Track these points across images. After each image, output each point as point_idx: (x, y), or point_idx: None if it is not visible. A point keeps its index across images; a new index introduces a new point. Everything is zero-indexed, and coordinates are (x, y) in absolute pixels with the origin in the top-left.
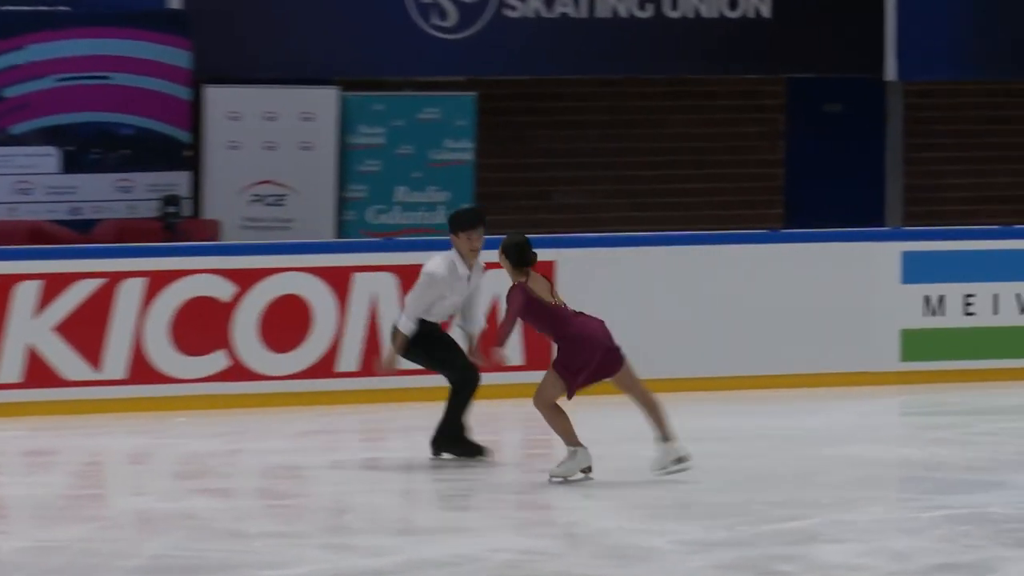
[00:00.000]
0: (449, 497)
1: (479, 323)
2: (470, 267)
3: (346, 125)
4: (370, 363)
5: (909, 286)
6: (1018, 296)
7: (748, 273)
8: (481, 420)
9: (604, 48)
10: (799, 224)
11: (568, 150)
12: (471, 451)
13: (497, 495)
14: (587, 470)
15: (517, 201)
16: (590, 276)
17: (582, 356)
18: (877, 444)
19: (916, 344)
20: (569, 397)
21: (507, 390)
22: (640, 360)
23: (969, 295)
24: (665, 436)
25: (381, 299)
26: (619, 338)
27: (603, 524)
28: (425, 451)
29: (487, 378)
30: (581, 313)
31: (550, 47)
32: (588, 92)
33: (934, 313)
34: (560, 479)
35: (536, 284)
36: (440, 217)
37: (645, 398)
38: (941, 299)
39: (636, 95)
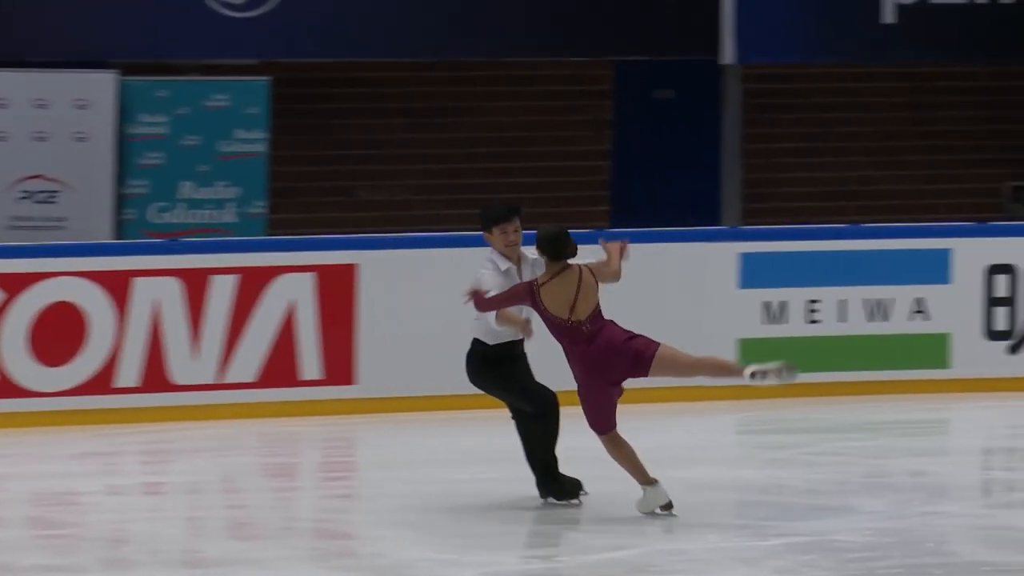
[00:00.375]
0: (239, 525)
1: None
2: (515, 262)
3: (125, 113)
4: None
5: (747, 291)
6: (866, 302)
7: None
8: (278, 440)
9: (413, 28)
10: (627, 223)
11: (372, 141)
12: (569, 491)
13: (292, 523)
14: (667, 507)
15: (315, 198)
16: (396, 280)
17: (595, 383)
18: (711, 465)
19: (755, 355)
20: (608, 427)
21: (305, 407)
22: (452, 374)
23: (813, 301)
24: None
25: (164, 307)
26: (427, 349)
27: (408, 555)
28: (213, 473)
29: (283, 394)
30: (603, 328)
31: (352, 27)
32: (395, 77)
33: (774, 321)
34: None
35: (558, 290)
36: (230, 215)
37: (698, 367)
38: (782, 305)
39: (448, 80)
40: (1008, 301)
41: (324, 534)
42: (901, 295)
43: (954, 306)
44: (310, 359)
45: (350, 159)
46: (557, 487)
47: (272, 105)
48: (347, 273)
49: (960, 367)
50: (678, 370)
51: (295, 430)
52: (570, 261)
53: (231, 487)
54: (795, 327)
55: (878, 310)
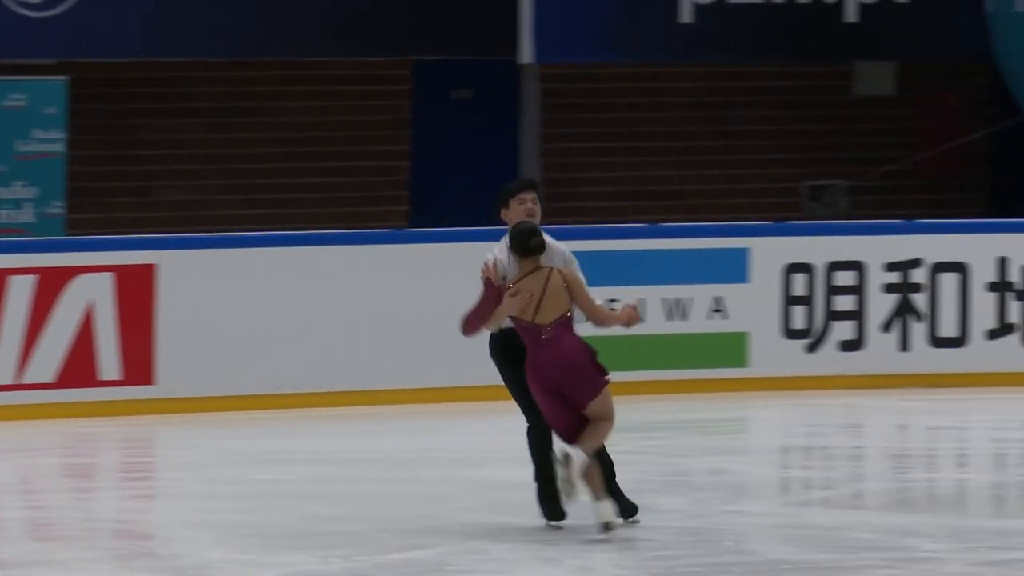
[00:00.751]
0: (39, 526)
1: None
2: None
3: None
4: None
5: None
6: (665, 301)
7: (372, 277)
8: (77, 440)
9: (210, 28)
10: (426, 223)
11: (171, 141)
12: (551, 513)
13: (92, 524)
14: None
15: (114, 198)
16: (196, 280)
17: (534, 386)
18: (509, 465)
19: None
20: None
21: (104, 408)
22: (252, 374)
23: (612, 300)
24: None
25: None
26: (227, 349)
27: (208, 555)
28: (12, 474)
29: (82, 395)
30: (563, 338)
31: (148, 26)
32: (193, 77)
33: (575, 320)
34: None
35: (525, 289)
36: (28, 215)
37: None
38: None
39: (247, 80)
40: (806, 300)
41: (124, 535)
42: (700, 294)
43: (752, 305)
44: (109, 360)
45: (149, 159)
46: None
47: (70, 105)
48: (146, 273)
49: (758, 366)
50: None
51: (94, 430)
52: (556, 266)
53: (30, 488)
54: (596, 326)
55: (677, 309)
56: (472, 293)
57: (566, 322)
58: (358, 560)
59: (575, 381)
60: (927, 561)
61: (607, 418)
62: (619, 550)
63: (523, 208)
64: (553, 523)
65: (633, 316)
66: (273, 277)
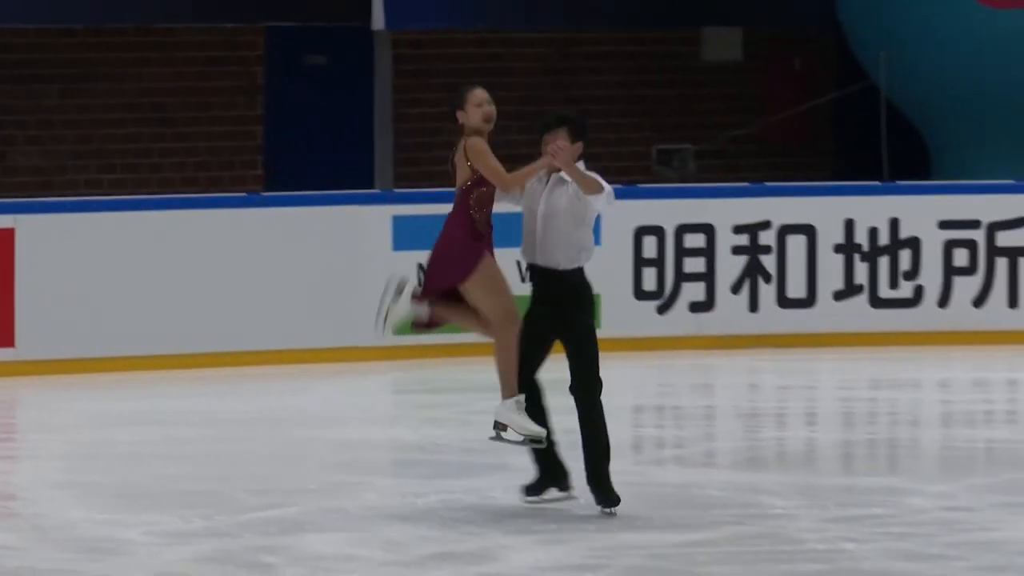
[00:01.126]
0: None
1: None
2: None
3: None
4: None
5: (401, 253)
6: (516, 263)
7: (226, 241)
8: None
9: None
10: (281, 187)
11: (27, 107)
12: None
13: None
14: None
15: None
16: (53, 244)
17: None
18: (367, 425)
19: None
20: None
21: None
22: (111, 336)
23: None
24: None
25: None
26: (78, 312)
27: (71, 515)
28: None
29: None
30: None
31: None
32: (48, 44)
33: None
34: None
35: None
36: None
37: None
38: None
39: (100, 46)
40: (656, 262)
41: None
42: None
43: (604, 267)
44: None
45: (5, 124)
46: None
47: None
48: (4, 237)
49: (610, 327)
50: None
51: None
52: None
53: None
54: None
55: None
56: (326, 257)
57: (457, 197)
58: (219, 519)
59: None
60: (777, 518)
61: (489, 320)
62: (476, 508)
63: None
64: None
65: (553, 153)
66: (130, 241)
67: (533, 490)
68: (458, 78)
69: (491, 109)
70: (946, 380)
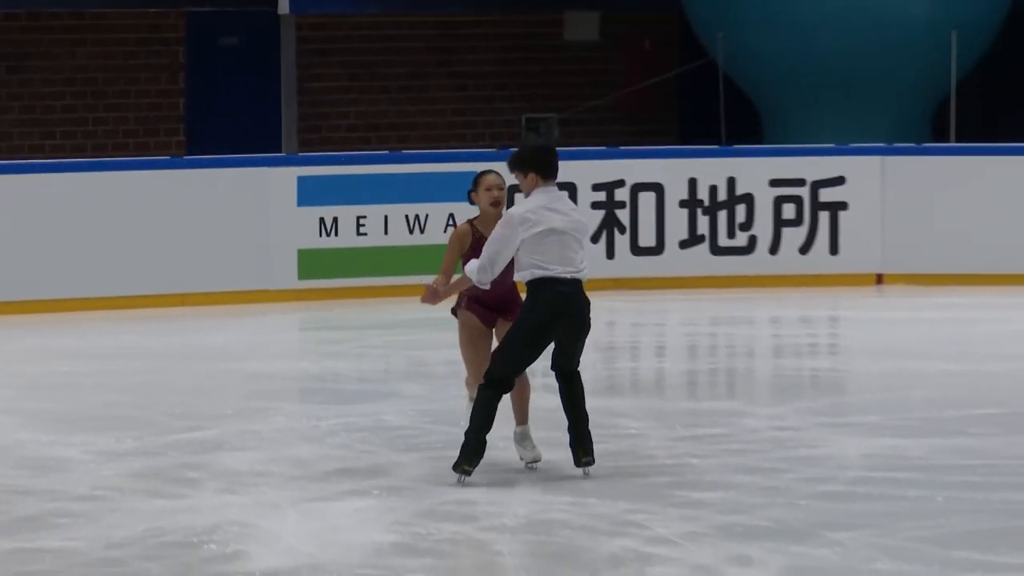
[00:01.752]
0: None
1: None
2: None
3: None
4: None
5: (305, 209)
6: (407, 217)
7: (152, 198)
8: None
9: None
10: (200, 151)
11: None
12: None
13: None
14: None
15: None
16: (0, 201)
17: None
18: (276, 359)
19: (312, 263)
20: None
21: None
22: (45, 280)
23: (361, 216)
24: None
25: None
26: (22, 260)
27: (19, 437)
28: None
29: None
30: None
31: None
32: None
33: (328, 234)
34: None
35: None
36: None
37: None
38: (335, 220)
39: (40, 28)
40: None
41: None
42: (434, 211)
43: None
44: None
45: None
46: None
47: None
48: None
49: None
50: None
51: None
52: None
53: None
54: (346, 239)
55: (416, 224)
56: (240, 212)
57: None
58: (148, 440)
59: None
60: (632, 437)
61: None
62: (371, 430)
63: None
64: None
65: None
66: (68, 198)
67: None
68: (354, 56)
69: (501, 195)
70: (776, 317)
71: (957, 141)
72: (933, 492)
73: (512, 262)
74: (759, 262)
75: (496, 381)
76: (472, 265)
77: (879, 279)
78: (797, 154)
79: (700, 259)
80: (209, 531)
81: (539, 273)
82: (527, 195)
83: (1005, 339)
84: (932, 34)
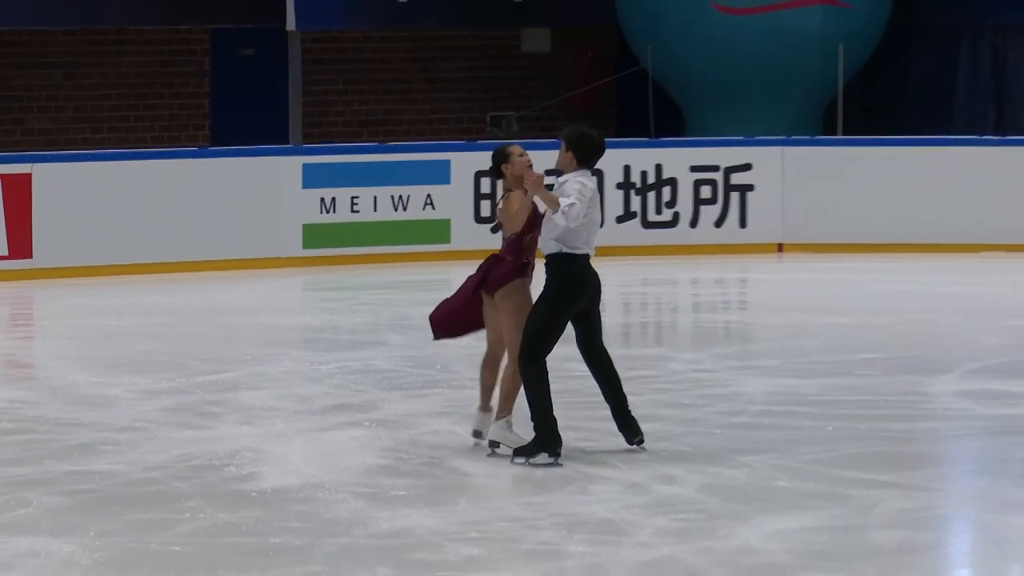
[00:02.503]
0: None
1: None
2: None
3: None
4: None
5: (308, 190)
6: (392, 197)
7: (184, 182)
8: None
9: (65, 4)
10: (222, 143)
11: (39, 85)
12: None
13: None
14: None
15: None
16: (58, 185)
17: None
18: (283, 314)
19: (314, 235)
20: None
21: None
22: (97, 250)
23: (355, 196)
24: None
25: None
26: (78, 233)
27: (73, 378)
28: None
29: None
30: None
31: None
32: (52, 39)
33: (328, 211)
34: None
35: None
36: None
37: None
38: (333, 200)
39: (90, 42)
40: (490, 196)
41: (12, 365)
42: (416, 192)
43: (453, 200)
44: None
45: (23, 99)
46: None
47: None
48: (25, 180)
49: (457, 243)
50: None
51: None
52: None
53: None
54: (342, 216)
55: (400, 203)
56: (256, 193)
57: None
58: (178, 381)
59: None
60: (578, 379)
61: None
62: (363, 372)
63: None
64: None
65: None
66: (114, 182)
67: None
68: (348, 64)
69: (527, 158)
70: (695, 279)
71: (844, 134)
72: (824, 423)
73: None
74: (681, 234)
75: (540, 357)
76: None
77: (780, 248)
78: (712, 145)
79: (633, 232)
80: (229, 456)
81: (566, 249)
82: (564, 170)
83: (884, 297)
84: (823, 46)
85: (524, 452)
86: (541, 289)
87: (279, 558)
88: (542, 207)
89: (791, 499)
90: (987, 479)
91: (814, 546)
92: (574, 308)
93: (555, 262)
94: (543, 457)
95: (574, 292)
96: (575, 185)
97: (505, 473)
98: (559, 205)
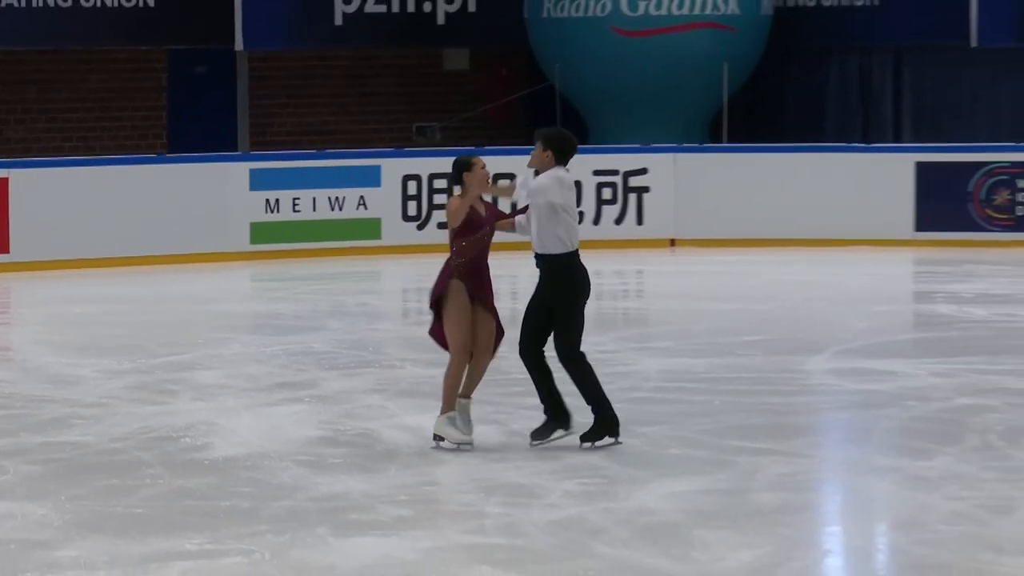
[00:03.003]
0: None
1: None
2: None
3: None
4: None
5: (255, 192)
6: (329, 198)
7: (143, 184)
8: None
9: (41, 26)
10: (178, 151)
11: (14, 99)
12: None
13: None
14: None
15: None
16: (33, 188)
17: None
18: (233, 302)
19: (261, 232)
20: None
21: None
22: (66, 245)
23: (296, 198)
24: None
25: None
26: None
27: (46, 359)
28: None
29: None
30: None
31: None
32: (26, 58)
33: (272, 211)
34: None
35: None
36: None
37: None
38: (277, 201)
39: (62, 60)
40: (416, 197)
41: None
42: (351, 194)
43: (383, 201)
44: None
45: (3, 111)
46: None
47: None
48: (2, 183)
49: (387, 239)
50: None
51: None
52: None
53: None
54: (285, 215)
55: (336, 203)
56: (208, 194)
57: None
58: (140, 362)
59: None
60: (496, 360)
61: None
62: (304, 354)
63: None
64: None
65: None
66: (83, 186)
67: (539, 434)
68: (290, 81)
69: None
70: (599, 271)
71: (728, 142)
72: (712, 397)
73: (486, 249)
74: (585, 231)
75: (580, 353)
76: (529, 181)
77: (672, 243)
78: (612, 152)
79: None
80: (185, 428)
81: (565, 249)
82: (540, 169)
83: (765, 286)
84: (710, 65)
85: (589, 437)
86: (552, 287)
87: (229, 519)
88: (505, 204)
89: (683, 465)
90: (855, 447)
91: (703, 507)
92: (586, 297)
93: (564, 260)
94: (607, 440)
95: (586, 284)
96: (546, 179)
97: (429, 444)
98: (515, 187)
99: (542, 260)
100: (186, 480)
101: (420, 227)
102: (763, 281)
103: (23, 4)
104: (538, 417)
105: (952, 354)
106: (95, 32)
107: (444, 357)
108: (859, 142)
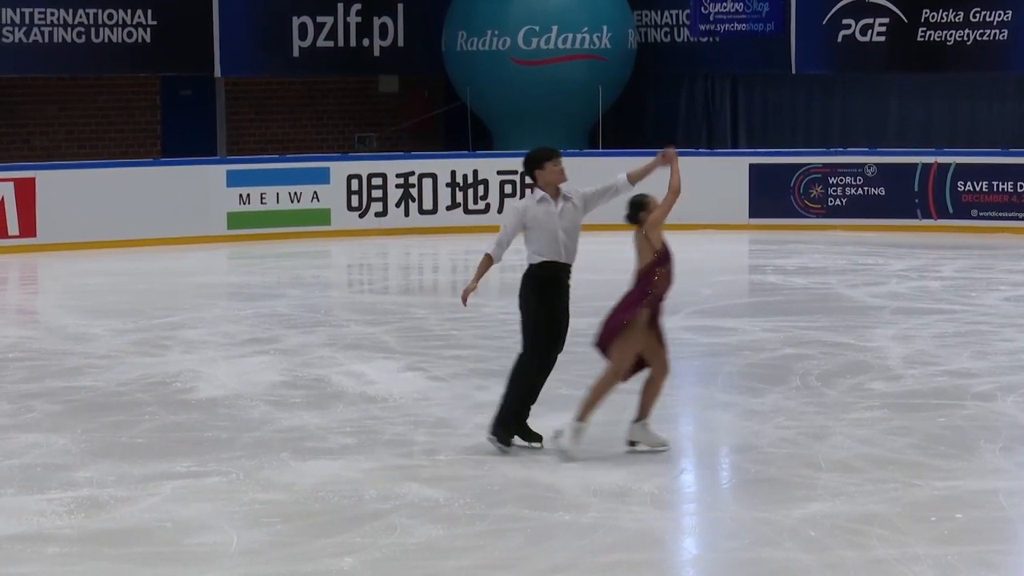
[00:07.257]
0: None
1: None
2: (553, 196)
3: None
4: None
5: (231, 188)
6: (290, 193)
7: (141, 183)
8: None
9: (53, 56)
10: (170, 156)
11: (38, 115)
12: (532, 437)
13: (2, 308)
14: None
15: (11, 145)
16: (56, 186)
17: None
18: (214, 275)
19: (236, 220)
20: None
21: (10, 249)
22: (82, 230)
23: (263, 193)
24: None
25: None
26: (70, 217)
27: (65, 321)
28: None
29: None
30: None
31: (20, 54)
32: (47, 83)
33: (245, 203)
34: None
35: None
36: None
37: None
38: (248, 195)
39: (75, 84)
40: (358, 192)
41: (22, 312)
42: (306, 190)
43: (332, 195)
44: (12, 223)
45: (29, 125)
46: (508, 431)
47: None
48: (30, 182)
49: (335, 225)
50: None
51: (4, 263)
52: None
53: None
54: (255, 206)
55: (295, 197)
56: (193, 191)
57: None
58: (140, 323)
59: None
60: (419, 319)
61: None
62: (270, 317)
63: (558, 172)
64: (501, 447)
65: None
66: (93, 185)
67: (502, 438)
68: (259, 101)
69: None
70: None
71: (602, 148)
72: (589, 350)
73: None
74: (491, 218)
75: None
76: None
77: None
78: (513, 155)
79: (457, 217)
80: (176, 375)
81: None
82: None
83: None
84: (587, 87)
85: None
86: (561, 293)
87: (212, 447)
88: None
89: (567, 403)
90: (703, 387)
91: (589, 435)
92: None
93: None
94: (493, 437)
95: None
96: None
97: (370, 388)
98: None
99: (569, 271)
100: (176, 416)
101: (361, 215)
102: (625, 256)
103: (46, 40)
104: (456, 367)
105: (779, 314)
106: (103, 62)
107: (381, 316)
108: (704, 148)
